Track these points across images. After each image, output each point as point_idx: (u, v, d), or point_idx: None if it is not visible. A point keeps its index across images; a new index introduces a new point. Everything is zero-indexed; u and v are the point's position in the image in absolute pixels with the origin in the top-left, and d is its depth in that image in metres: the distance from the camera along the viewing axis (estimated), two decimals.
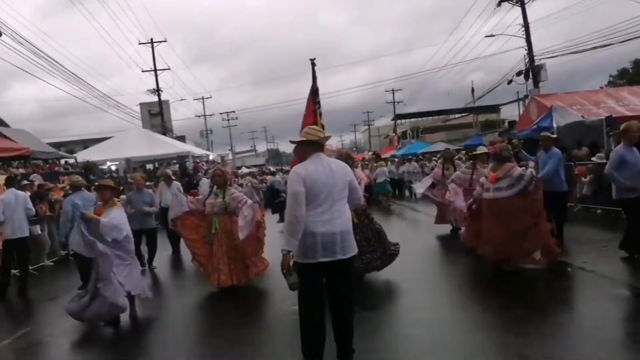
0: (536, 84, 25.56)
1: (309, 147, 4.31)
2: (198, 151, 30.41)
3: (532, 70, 25.43)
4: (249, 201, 7.57)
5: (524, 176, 7.02)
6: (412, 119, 56.47)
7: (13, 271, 9.26)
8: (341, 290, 4.25)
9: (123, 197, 10.63)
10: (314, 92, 5.94)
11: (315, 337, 4.14)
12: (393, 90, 54.16)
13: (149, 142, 25.75)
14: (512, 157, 7.47)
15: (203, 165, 28.60)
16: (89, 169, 21.50)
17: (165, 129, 34.21)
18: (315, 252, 4.09)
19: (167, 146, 26.48)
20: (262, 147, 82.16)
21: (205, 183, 17.78)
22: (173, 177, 13.06)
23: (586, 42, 23.27)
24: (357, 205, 4.62)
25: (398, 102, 55.22)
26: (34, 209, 9.51)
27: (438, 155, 21.29)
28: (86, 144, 32.09)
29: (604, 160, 11.15)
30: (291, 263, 4.09)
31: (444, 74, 61.18)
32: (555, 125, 15.07)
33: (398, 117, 55.02)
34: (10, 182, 9.61)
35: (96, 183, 7.99)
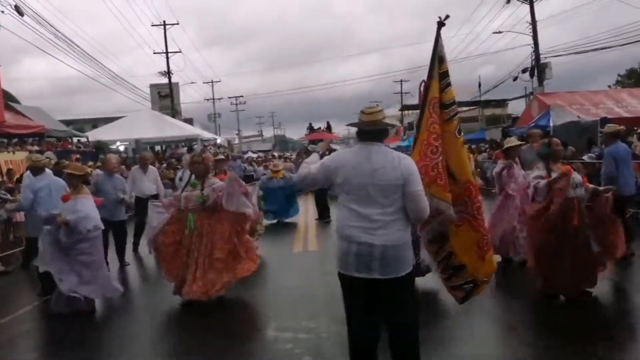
0: (540, 82, 25.95)
1: (364, 134, 3.51)
2: (206, 134, 30.95)
3: (537, 68, 25.80)
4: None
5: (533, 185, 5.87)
6: (418, 110, 56.70)
7: None
8: (393, 320, 3.47)
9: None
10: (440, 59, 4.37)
11: None
12: (401, 80, 54.52)
13: (158, 123, 26.31)
14: (553, 155, 5.98)
15: (210, 149, 29.16)
16: (100, 148, 22.12)
17: (174, 112, 34.75)
18: (346, 263, 3.42)
19: (176, 129, 27.06)
20: (268, 133, 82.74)
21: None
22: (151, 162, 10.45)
23: (595, 42, 23.71)
24: (416, 220, 3.57)
25: (405, 93, 55.58)
26: None
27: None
28: (95, 123, 32.67)
29: (594, 160, 11.65)
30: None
31: (452, 67, 61.23)
32: (552, 124, 15.54)
33: (405, 107, 55.30)
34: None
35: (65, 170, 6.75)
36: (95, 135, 24.16)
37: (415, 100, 57.82)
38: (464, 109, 45.35)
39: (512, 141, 7.84)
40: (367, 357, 3.50)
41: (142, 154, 12.07)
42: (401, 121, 54.44)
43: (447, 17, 4.35)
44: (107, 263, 7.98)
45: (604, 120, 15.38)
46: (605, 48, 21.85)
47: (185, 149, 27.35)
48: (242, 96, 58.56)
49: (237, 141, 55.22)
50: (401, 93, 55.58)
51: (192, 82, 44.21)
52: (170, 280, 6.35)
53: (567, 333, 4.92)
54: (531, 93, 26.03)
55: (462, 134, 4.37)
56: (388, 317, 3.49)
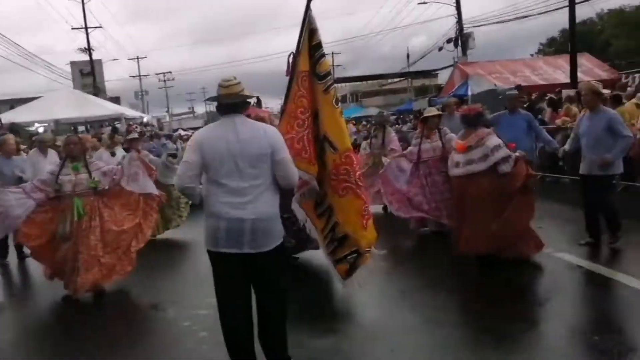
0: (464, 51, 26.59)
1: (223, 107, 3.46)
2: (131, 113, 29.92)
3: (461, 38, 26.40)
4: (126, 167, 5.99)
5: (500, 149, 5.61)
6: (352, 83, 56.99)
7: None
8: (261, 297, 3.52)
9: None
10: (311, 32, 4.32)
11: (236, 347, 3.48)
12: (332, 53, 54.42)
13: (79, 103, 25.20)
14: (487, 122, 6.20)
15: (136, 127, 28.27)
16: (15, 130, 21.00)
17: (97, 90, 33.40)
18: (216, 239, 3.36)
19: (99, 107, 26.05)
20: (201, 109, 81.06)
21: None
22: (58, 144, 9.89)
23: (518, 10, 24.34)
24: (287, 186, 3.60)
25: (337, 65, 55.53)
26: None
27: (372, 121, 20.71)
28: (12, 104, 31.05)
29: None
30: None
31: (385, 37, 61.75)
32: (470, 93, 15.98)
33: (338, 80, 55.41)
34: None
35: None
36: (10, 117, 22.91)
37: (348, 73, 58.15)
38: (396, 80, 46.08)
39: (431, 111, 7.84)
40: (244, 344, 3.46)
41: (40, 135, 11.28)
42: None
43: None
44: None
45: (518, 88, 15.98)
46: (526, 17, 22.57)
47: (110, 128, 26.44)
48: (170, 72, 56.90)
49: (167, 119, 53.83)
50: (333, 66, 55.58)
51: (114, 59, 42.21)
52: (49, 277, 5.94)
53: (465, 293, 5.22)
54: (456, 63, 26.62)
55: (340, 104, 4.40)
56: (258, 299, 3.52)
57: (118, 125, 25.89)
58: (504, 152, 5.58)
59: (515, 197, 5.59)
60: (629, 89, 11.36)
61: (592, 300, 5.07)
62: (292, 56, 4.41)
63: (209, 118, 73.53)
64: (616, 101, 10.11)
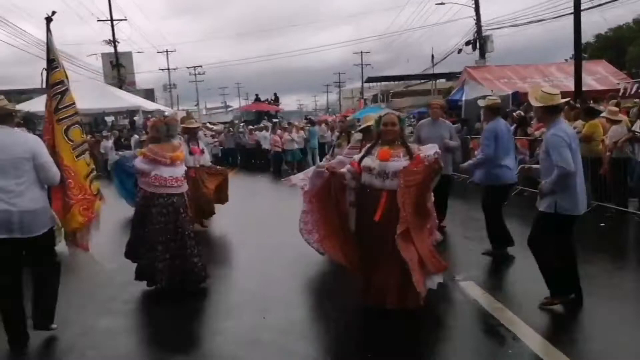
0: (482, 54, 26.03)
1: None
2: (151, 106, 30.44)
3: (479, 41, 25.85)
4: None
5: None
6: (383, 82, 56.65)
7: None
8: (36, 269, 4.36)
9: None
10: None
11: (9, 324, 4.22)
12: (362, 52, 54.42)
13: (99, 94, 25.78)
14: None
15: None
16: (28, 120, 21.62)
17: (121, 82, 34.10)
18: None
19: (116, 99, 26.60)
20: (235, 104, 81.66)
21: (135, 140, 18.19)
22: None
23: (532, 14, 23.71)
24: (50, 184, 4.50)
25: (366, 65, 55.47)
26: None
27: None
28: (31, 93, 32.04)
29: None
30: None
31: (418, 37, 60.65)
32: (464, 98, 15.60)
33: (369, 80, 55.31)
34: None
35: None
36: (26, 106, 23.62)
37: (389, 72, 57.80)
38: (419, 82, 45.52)
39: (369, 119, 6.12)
40: (17, 318, 4.20)
41: None
42: (361, 93, 54.53)
43: (54, 12, 5.05)
44: None
45: (515, 95, 15.52)
46: (540, 21, 21.96)
47: (127, 120, 26.97)
48: (200, 66, 57.61)
49: (198, 113, 54.62)
50: (362, 65, 55.50)
51: (139, 52, 43.07)
52: None
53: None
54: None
55: (61, 114, 4.92)
56: (33, 270, 4.34)
57: (136, 118, 26.42)
58: None
59: None
60: (611, 101, 10.79)
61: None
62: (43, 71, 5.04)
63: (242, 113, 74.70)
64: (589, 114, 9.52)
